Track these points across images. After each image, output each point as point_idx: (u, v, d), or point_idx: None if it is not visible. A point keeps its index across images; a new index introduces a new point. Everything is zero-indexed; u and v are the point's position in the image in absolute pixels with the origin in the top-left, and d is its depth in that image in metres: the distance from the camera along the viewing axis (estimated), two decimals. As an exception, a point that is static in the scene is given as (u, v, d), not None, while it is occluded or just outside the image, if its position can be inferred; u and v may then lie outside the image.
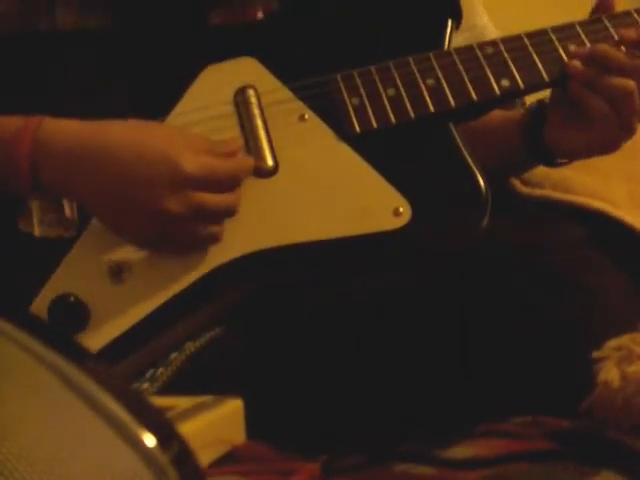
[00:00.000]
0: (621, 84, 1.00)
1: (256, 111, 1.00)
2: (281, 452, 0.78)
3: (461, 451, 0.73)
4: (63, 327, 0.90)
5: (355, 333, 0.89)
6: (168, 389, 0.87)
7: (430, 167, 0.99)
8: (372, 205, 0.95)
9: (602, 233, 1.23)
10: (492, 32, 1.23)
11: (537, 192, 1.31)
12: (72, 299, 0.92)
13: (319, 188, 0.97)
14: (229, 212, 0.94)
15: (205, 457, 0.68)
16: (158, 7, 1.07)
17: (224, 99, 1.01)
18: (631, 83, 1.00)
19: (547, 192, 1.31)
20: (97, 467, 0.40)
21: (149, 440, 0.41)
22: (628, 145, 1.32)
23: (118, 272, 0.94)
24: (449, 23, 1.07)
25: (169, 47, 1.05)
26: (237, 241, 0.94)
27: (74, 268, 0.94)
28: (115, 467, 0.40)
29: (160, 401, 0.68)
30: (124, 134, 0.92)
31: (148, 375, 0.91)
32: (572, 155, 1.10)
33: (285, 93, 1.01)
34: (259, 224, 0.95)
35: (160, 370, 0.92)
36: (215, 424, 0.72)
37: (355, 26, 1.07)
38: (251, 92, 1.01)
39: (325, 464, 0.73)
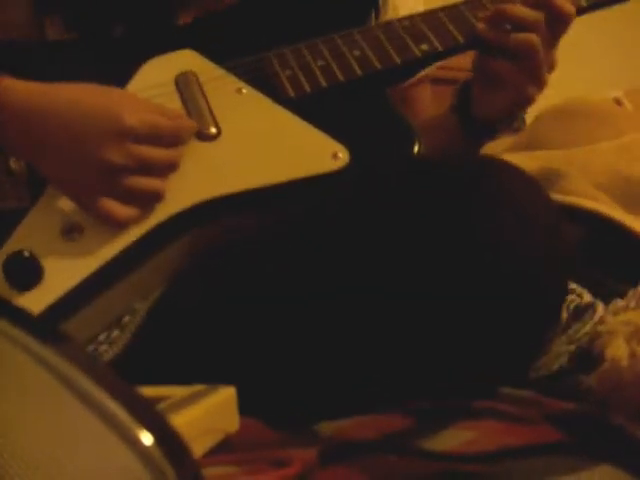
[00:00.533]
0: (523, 38, 1.06)
1: (196, 88, 1.07)
2: (273, 427, 0.80)
3: (460, 434, 0.72)
4: (18, 281, 0.94)
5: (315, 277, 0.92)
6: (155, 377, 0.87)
7: (365, 121, 1.06)
8: (312, 152, 1.01)
9: (600, 234, 1.23)
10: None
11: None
12: (26, 254, 0.95)
13: (261, 143, 1.03)
14: (171, 166, 0.98)
15: (199, 446, 0.68)
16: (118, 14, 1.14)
17: (165, 81, 1.08)
18: (533, 37, 1.05)
19: (546, 194, 1.31)
20: (93, 465, 0.40)
21: (146, 438, 0.40)
22: (628, 148, 1.32)
23: (70, 231, 0.98)
24: (372, 12, 1.18)
25: (115, 50, 1.12)
26: (183, 194, 0.99)
27: (29, 229, 0.99)
28: (111, 465, 0.40)
29: (153, 391, 0.68)
30: (72, 93, 0.97)
31: (102, 338, 0.96)
32: (498, 118, 1.15)
33: (221, 72, 1.09)
34: (205, 177, 1.00)
35: (115, 333, 0.97)
36: (209, 413, 0.71)
37: (287, 15, 1.15)
38: (190, 74, 1.08)
39: (321, 452, 0.71)
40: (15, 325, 0.39)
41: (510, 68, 1.07)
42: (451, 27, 1.11)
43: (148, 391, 0.59)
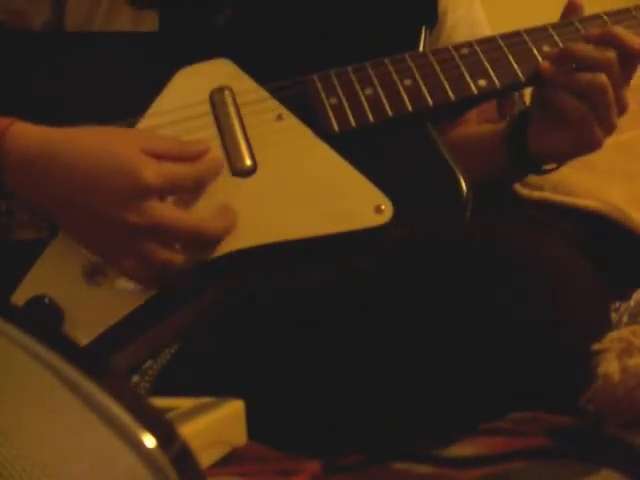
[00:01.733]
0: (591, 79, 0.99)
1: (232, 110, 0.99)
2: (282, 452, 0.79)
3: (460, 450, 0.74)
4: None
5: (350, 331, 0.88)
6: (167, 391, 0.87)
7: (411, 166, 0.99)
8: (353, 203, 0.94)
9: (602, 234, 1.23)
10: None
11: (537, 194, 1.32)
12: (46, 300, 0.90)
13: (299, 187, 0.95)
14: (195, 223, 0.91)
15: (206, 458, 0.68)
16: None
17: (199, 99, 1.00)
18: (602, 77, 0.98)
19: (547, 194, 1.31)
20: (96, 468, 0.40)
21: (149, 441, 0.41)
22: (628, 145, 1.32)
23: (92, 274, 0.93)
24: (422, 30, 1.08)
25: (148, 49, 1.04)
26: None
27: (48, 269, 0.92)
28: (115, 468, 0.40)
29: (161, 402, 0.68)
30: (87, 142, 0.91)
31: None
32: (556, 158, 1.09)
33: (261, 93, 1.00)
34: (240, 224, 0.93)
35: (135, 378, 0.90)
36: (216, 425, 0.71)
37: (331, 29, 1.06)
38: (227, 92, 1.00)
39: (326, 463, 0.73)
40: (20, 328, 0.41)
41: (575, 106, 1.00)
42: (513, 62, 1.02)
43: (156, 402, 0.60)
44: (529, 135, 1.06)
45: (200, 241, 0.92)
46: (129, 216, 0.88)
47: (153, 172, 0.88)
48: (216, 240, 0.92)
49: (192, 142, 0.95)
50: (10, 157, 0.90)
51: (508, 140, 1.10)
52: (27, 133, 0.91)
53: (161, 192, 0.89)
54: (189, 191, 0.92)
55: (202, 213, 0.93)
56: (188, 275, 0.92)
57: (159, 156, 0.90)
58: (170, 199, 0.92)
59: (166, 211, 0.89)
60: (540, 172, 1.11)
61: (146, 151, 0.90)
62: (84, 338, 0.88)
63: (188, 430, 0.64)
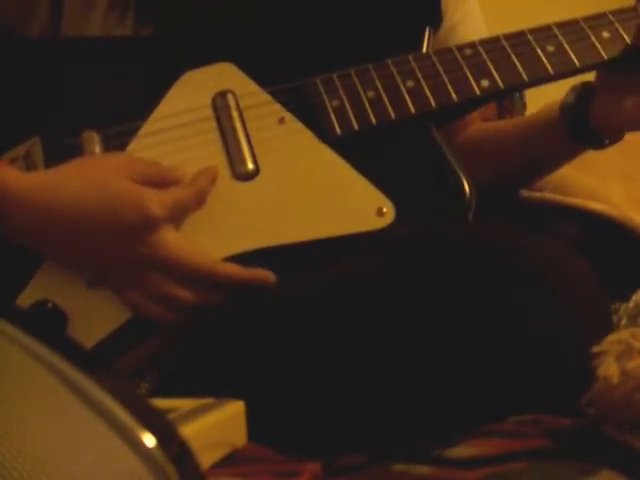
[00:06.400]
0: None
1: (235, 114, 1.00)
2: (282, 454, 0.79)
3: (461, 451, 0.73)
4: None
5: (352, 333, 0.88)
6: (168, 392, 0.87)
7: (413, 168, 0.99)
8: (355, 205, 0.94)
9: (602, 234, 1.23)
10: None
11: (537, 195, 1.32)
12: (50, 305, 0.90)
13: (301, 190, 0.96)
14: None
15: (207, 459, 0.68)
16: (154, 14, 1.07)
17: (202, 103, 1.01)
18: None
19: (547, 195, 1.31)
20: (96, 467, 0.40)
21: (149, 440, 0.41)
22: (629, 145, 1.33)
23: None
24: (426, 31, 1.08)
25: (150, 53, 1.05)
26: (220, 243, 0.93)
27: (52, 274, 0.92)
28: (115, 467, 0.41)
29: (162, 402, 0.68)
30: (75, 182, 0.90)
31: None
32: (616, 128, 1.07)
33: (264, 97, 1.01)
34: (242, 226, 0.94)
35: (136, 378, 0.91)
36: (217, 426, 0.72)
37: (334, 31, 1.06)
38: (230, 96, 1.01)
39: (326, 464, 0.73)
40: (20, 328, 0.41)
41: None
42: (516, 62, 1.02)
43: (157, 402, 0.60)
44: (593, 108, 1.06)
45: (210, 282, 0.92)
46: (142, 249, 0.88)
47: (158, 204, 0.89)
48: (227, 284, 0.92)
49: (170, 167, 0.95)
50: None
51: (567, 114, 1.09)
52: (17, 183, 0.89)
53: (170, 220, 0.90)
54: (195, 209, 0.93)
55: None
56: (192, 311, 0.92)
57: (143, 181, 0.91)
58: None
59: (176, 247, 0.90)
60: (601, 145, 1.10)
61: (136, 180, 0.90)
62: (88, 342, 0.89)
63: (189, 431, 0.64)
